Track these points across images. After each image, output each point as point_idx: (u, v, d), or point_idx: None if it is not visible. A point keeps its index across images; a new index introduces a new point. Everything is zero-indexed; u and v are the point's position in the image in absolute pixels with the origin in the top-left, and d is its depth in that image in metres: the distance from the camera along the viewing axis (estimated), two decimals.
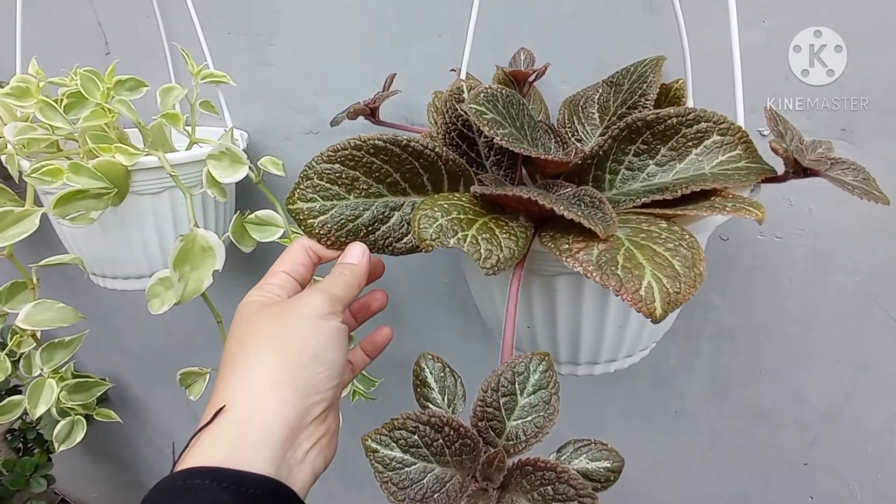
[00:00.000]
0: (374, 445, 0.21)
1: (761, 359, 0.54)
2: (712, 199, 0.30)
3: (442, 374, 0.24)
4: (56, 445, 0.63)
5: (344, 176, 0.34)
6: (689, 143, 0.33)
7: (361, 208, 0.33)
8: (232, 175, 0.49)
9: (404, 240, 0.33)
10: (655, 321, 0.22)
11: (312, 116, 0.61)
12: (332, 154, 0.34)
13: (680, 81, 0.42)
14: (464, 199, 0.30)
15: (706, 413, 0.60)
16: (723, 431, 0.60)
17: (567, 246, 0.26)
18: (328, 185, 0.33)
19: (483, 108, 0.33)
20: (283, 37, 0.59)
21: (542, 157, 0.33)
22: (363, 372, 0.63)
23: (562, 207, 0.26)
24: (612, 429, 0.67)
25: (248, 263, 0.71)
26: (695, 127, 0.33)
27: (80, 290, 0.59)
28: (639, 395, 0.62)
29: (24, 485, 0.99)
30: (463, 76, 0.39)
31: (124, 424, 1.10)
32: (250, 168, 0.50)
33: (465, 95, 0.37)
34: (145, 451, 1.19)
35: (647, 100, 0.40)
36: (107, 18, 0.68)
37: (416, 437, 0.21)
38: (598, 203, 0.29)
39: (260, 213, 0.51)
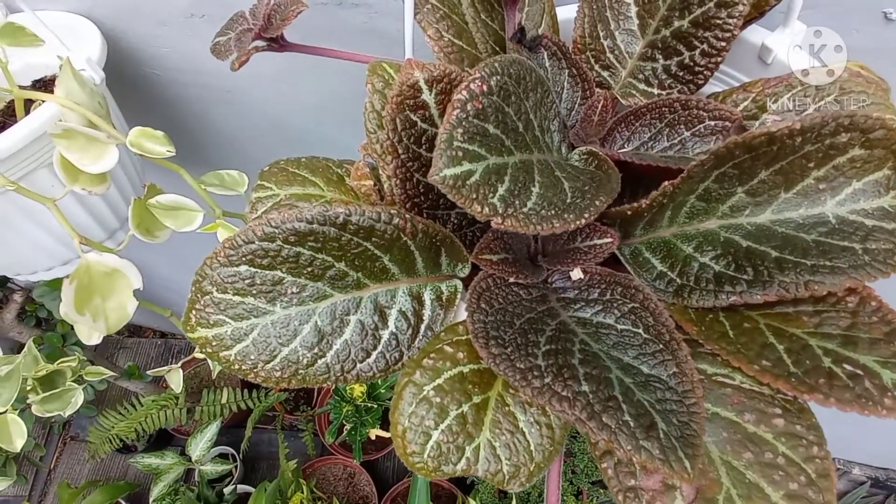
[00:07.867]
0: None
1: None
2: (845, 305, 0.19)
3: None
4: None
5: (259, 281, 0.21)
6: (811, 164, 0.20)
7: (297, 321, 0.22)
8: (99, 159, 0.34)
9: (372, 357, 0.23)
10: None
11: None
12: (232, 253, 0.21)
13: None
14: (460, 353, 0.19)
15: None
16: None
17: (633, 483, 0.17)
18: (238, 300, 0.22)
19: (470, 167, 0.19)
20: None
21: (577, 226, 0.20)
22: None
23: (630, 447, 0.16)
24: None
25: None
26: (828, 141, 0.20)
27: None
28: None
29: (61, 354, 1.03)
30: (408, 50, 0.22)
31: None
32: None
33: (426, 97, 0.21)
34: (164, 296, 1.21)
35: (731, 11, 0.24)
36: None
37: None
38: (670, 360, 0.18)
39: (163, 198, 0.37)
